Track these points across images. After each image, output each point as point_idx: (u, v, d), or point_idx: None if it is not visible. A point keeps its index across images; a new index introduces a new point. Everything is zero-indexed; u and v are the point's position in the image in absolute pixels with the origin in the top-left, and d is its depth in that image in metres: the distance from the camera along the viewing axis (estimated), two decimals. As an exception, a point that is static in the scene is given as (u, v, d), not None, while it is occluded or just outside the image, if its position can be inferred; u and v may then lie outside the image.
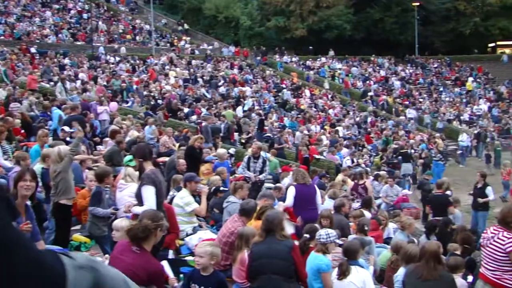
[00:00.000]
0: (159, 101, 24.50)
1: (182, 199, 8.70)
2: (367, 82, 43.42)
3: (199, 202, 8.84)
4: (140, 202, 6.37)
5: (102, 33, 39.62)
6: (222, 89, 31.20)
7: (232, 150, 18.12)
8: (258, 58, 44.65)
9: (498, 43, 57.67)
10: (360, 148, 24.31)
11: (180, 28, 48.23)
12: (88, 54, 33.05)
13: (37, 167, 8.68)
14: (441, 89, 45.73)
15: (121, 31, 41.80)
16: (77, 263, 1.04)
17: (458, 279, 6.29)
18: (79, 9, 42.16)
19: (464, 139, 29.86)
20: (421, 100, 42.16)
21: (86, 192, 8.64)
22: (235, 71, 37.40)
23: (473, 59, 52.21)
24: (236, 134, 21.62)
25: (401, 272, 6.56)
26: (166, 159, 13.79)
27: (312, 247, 6.74)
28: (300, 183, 9.56)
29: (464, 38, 53.56)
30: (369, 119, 32.41)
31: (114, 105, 20.42)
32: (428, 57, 53.20)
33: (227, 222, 7.57)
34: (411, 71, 49.09)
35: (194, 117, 22.94)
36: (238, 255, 6.45)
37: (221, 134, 19.45)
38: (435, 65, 51.10)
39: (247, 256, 6.20)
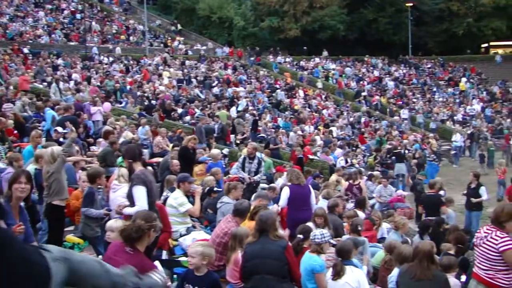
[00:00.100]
0: (153, 102, 24.45)
1: (175, 199, 8.68)
2: (361, 82, 43.49)
3: (192, 203, 8.83)
4: (131, 202, 6.36)
5: (95, 33, 39.50)
6: (216, 90, 31.17)
7: (225, 151, 18.11)
8: (252, 58, 44.65)
9: (491, 43, 58.04)
10: (354, 148, 24.34)
11: (173, 28, 48.15)
12: (81, 55, 32.94)
13: (30, 167, 8.65)
14: (435, 89, 45.89)
15: (114, 31, 41.68)
16: (53, 255, 1.07)
17: (451, 278, 6.31)
18: (72, 9, 41.96)
19: (458, 139, 29.98)
20: (414, 100, 42.29)
21: (79, 193, 8.62)
22: (229, 71, 37.38)
23: (466, 60, 52.51)
24: (232, 136, 21.62)
25: (395, 273, 6.57)
26: (160, 159, 13.78)
27: (306, 247, 6.74)
28: (295, 183, 9.54)
29: (457, 39, 53.79)
30: (362, 120, 32.48)
31: (107, 105, 20.35)
32: (421, 57, 53.40)
33: (220, 223, 7.56)
34: (404, 71, 49.22)
35: (188, 118, 22.92)
36: (231, 255, 6.45)
37: (215, 135, 19.44)
38: (429, 66, 51.28)
39: (240, 256, 6.20)
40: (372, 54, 51.07)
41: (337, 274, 6.04)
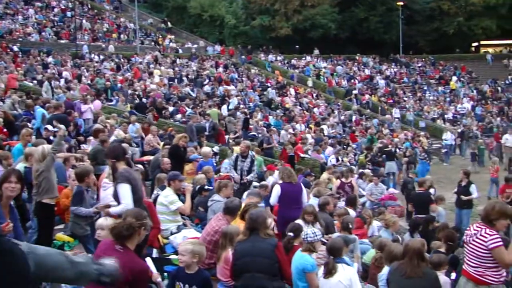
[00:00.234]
0: (144, 100, 24.38)
1: (166, 197, 8.67)
2: (352, 81, 43.60)
3: (183, 201, 8.81)
4: (118, 201, 6.33)
5: (86, 31, 39.30)
6: (207, 88, 31.14)
7: (216, 149, 18.09)
8: (243, 57, 44.62)
9: (481, 42, 58.40)
10: (345, 146, 24.40)
11: (163, 26, 48.02)
12: (72, 53, 32.79)
13: (20, 166, 8.60)
14: (425, 88, 46.13)
15: (105, 29, 41.51)
16: (25, 249, 1.11)
17: (441, 276, 6.33)
18: (63, 7, 41.72)
19: (448, 137, 30.11)
20: (405, 99, 42.44)
21: (69, 191, 8.56)
22: (220, 69, 37.35)
23: (456, 59, 52.86)
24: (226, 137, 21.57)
25: (385, 271, 6.58)
26: (151, 158, 13.74)
27: (297, 245, 6.73)
28: (286, 181, 9.56)
29: (448, 38, 53.99)
30: (354, 118, 32.56)
31: (97, 103, 20.27)
32: (412, 56, 53.69)
33: (211, 221, 7.55)
34: (395, 70, 49.41)
35: (179, 116, 22.87)
36: (222, 253, 6.45)
37: (206, 133, 19.41)
38: (419, 64, 51.56)
39: (231, 254, 6.19)
40: (363, 53, 51.23)
41: (329, 272, 6.02)
